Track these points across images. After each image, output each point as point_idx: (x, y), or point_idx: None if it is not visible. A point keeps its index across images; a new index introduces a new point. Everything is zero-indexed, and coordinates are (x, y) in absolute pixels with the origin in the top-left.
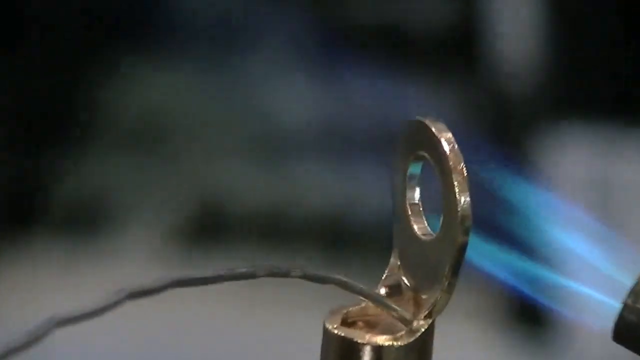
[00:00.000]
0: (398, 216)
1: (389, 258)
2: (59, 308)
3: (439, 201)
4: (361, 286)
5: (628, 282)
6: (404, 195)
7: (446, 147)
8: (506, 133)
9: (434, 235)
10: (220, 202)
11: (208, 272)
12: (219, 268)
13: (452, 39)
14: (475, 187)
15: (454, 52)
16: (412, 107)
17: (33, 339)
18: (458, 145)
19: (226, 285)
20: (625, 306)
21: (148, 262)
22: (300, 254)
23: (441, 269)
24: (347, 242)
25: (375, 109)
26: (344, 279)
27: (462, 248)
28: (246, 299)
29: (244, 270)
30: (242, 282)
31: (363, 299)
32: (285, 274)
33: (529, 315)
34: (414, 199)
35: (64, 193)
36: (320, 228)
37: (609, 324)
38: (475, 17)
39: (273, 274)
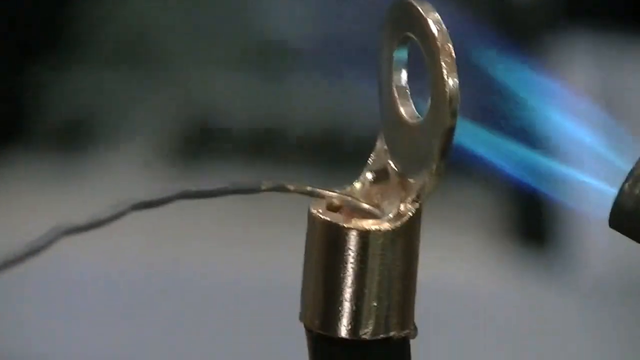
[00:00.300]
0: (384, 100)
1: None
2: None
3: (427, 84)
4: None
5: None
6: (390, 78)
7: (433, 27)
8: (510, 40)
9: (421, 118)
10: (212, 115)
11: (212, 186)
12: (223, 181)
13: None
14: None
15: None
16: None
17: (38, 248)
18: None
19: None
20: (622, 191)
21: (138, 177)
22: (294, 169)
23: (429, 152)
24: (343, 157)
25: (374, 19)
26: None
27: (451, 130)
28: (248, 215)
29: (248, 184)
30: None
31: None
32: (286, 189)
33: (530, 207)
34: (400, 81)
35: (50, 108)
36: (315, 143)
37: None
38: None
39: (277, 189)
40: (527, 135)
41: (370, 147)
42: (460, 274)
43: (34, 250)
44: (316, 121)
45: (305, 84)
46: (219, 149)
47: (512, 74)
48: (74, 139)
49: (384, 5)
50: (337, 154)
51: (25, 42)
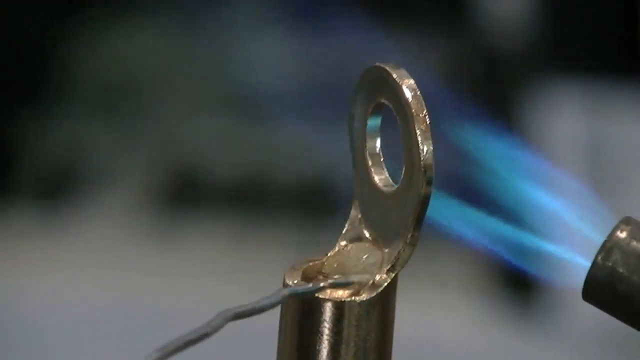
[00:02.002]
0: (358, 167)
1: None
2: (34, 274)
3: (400, 151)
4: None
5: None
6: (363, 145)
7: (408, 94)
8: (493, 90)
9: (396, 186)
10: (196, 164)
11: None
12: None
13: None
14: (452, 146)
15: (441, 7)
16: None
17: (206, 333)
18: (421, 92)
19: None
20: (595, 264)
21: (122, 226)
22: (277, 218)
23: (404, 221)
24: (326, 204)
25: (357, 67)
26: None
27: (425, 199)
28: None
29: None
30: (232, 242)
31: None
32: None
33: (508, 278)
34: (374, 148)
35: (35, 156)
36: (298, 192)
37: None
38: None
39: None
40: (502, 208)
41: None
42: (443, 330)
43: (201, 336)
44: (299, 167)
45: (288, 131)
46: (202, 196)
47: (486, 145)
48: (58, 189)
49: (366, 52)
50: (320, 200)
51: (8, 93)
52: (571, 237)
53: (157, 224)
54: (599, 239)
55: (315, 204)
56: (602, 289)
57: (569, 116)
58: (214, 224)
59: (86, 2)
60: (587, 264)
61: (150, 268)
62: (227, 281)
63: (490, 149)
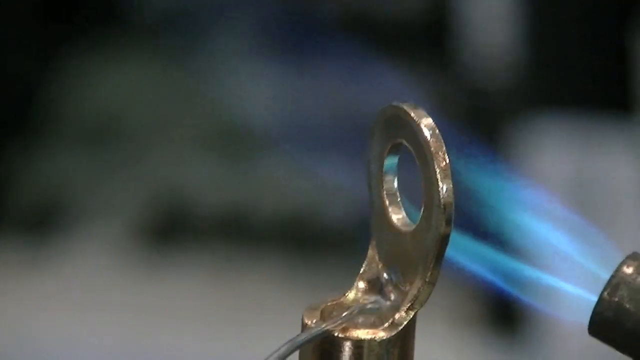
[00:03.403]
0: (375, 207)
1: (358, 257)
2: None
3: (415, 190)
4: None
5: (606, 276)
6: (380, 185)
7: (427, 134)
8: (479, 127)
9: (414, 225)
10: (182, 199)
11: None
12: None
13: (424, 30)
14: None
15: (426, 43)
16: (382, 99)
17: None
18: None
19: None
20: (601, 299)
21: (108, 259)
22: (263, 253)
23: (423, 259)
24: (313, 242)
25: (343, 102)
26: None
27: (445, 237)
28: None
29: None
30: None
31: (342, 293)
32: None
33: (505, 310)
34: (391, 189)
35: (21, 191)
36: (285, 226)
37: (586, 318)
38: (449, 8)
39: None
40: (501, 240)
41: (338, 230)
42: None
43: None
44: (284, 203)
45: (274, 167)
46: (188, 231)
47: (482, 178)
48: (43, 224)
49: (351, 88)
50: (305, 235)
51: None
52: (568, 268)
53: (143, 258)
54: (595, 270)
55: (300, 240)
56: (608, 325)
57: (556, 152)
58: (199, 258)
59: (73, 37)
60: (586, 296)
61: (135, 302)
62: (211, 315)
63: (482, 181)
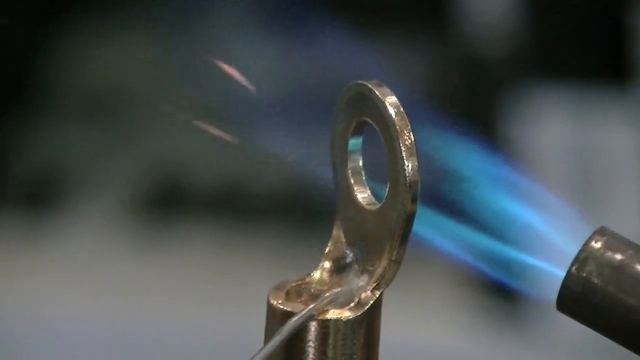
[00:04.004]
0: (340, 185)
1: None
2: (18, 280)
3: (381, 168)
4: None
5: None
6: (345, 164)
7: (392, 111)
8: (477, 97)
9: (379, 204)
10: (179, 171)
11: None
12: None
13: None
14: (432, 157)
15: (424, 14)
16: (379, 70)
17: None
18: (403, 104)
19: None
20: (569, 274)
21: (106, 233)
22: (259, 225)
23: (389, 238)
24: (311, 215)
25: (340, 73)
26: None
27: (411, 216)
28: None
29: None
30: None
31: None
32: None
33: (488, 290)
34: (356, 167)
35: (20, 164)
36: (280, 200)
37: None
38: None
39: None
40: (482, 220)
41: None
42: (425, 341)
43: None
44: (281, 177)
45: (270, 140)
46: (185, 204)
47: (467, 157)
48: (41, 197)
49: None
50: (302, 209)
51: None
52: (550, 249)
53: (140, 231)
54: (576, 250)
55: (296, 213)
56: (577, 300)
57: (553, 123)
58: (196, 231)
59: (71, 10)
60: (560, 274)
61: (133, 274)
62: (208, 288)
63: (472, 161)
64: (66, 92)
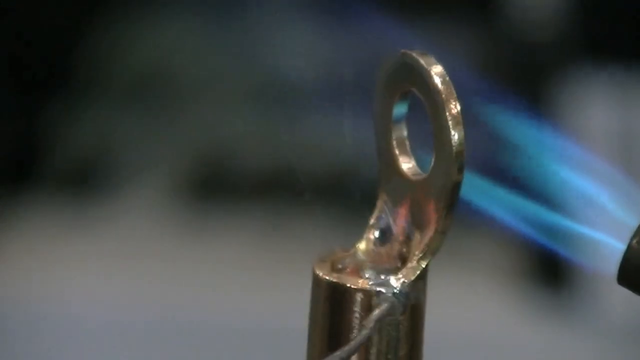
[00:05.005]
0: (384, 156)
1: None
2: (65, 264)
3: (425, 139)
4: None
5: None
6: (389, 134)
7: (437, 81)
8: (524, 79)
9: (424, 174)
10: (225, 155)
11: None
12: None
13: None
14: (483, 130)
15: None
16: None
17: None
18: (451, 79)
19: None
20: (630, 247)
21: (151, 218)
22: (306, 209)
23: (434, 208)
24: (355, 197)
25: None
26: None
27: (457, 186)
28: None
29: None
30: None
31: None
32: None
33: (541, 262)
34: (401, 137)
35: (65, 148)
36: (327, 183)
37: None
38: None
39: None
40: (534, 189)
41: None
42: (473, 316)
43: None
44: (328, 160)
45: (317, 123)
46: (232, 188)
47: (519, 127)
48: (87, 181)
49: (395, 42)
50: (350, 191)
51: (38, 85)
52: (606, 220)
53: (187, 215)
54: (634, 223)
55: (344, 195)
56: (637, 272)
57: (601, 105)
58: (243, 215)
59: None
60: (622, 247)
61: (179, 260)
62: (256, 273)
63: (522, 133)
64: (112, 76)
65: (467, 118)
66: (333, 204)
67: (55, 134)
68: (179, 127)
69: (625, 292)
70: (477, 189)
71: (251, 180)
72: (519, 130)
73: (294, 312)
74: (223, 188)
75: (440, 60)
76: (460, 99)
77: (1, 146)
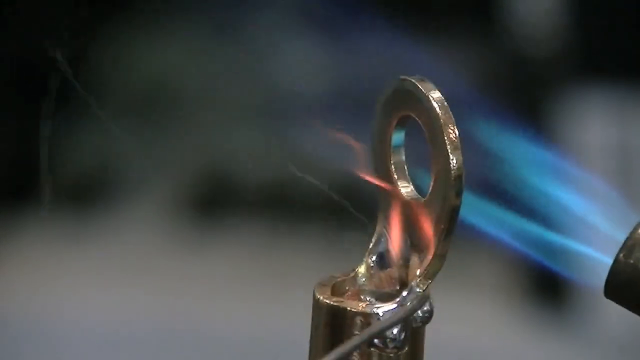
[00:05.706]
0: (382, 180)
1: None
2: (66, 279)
3: (421, 161)
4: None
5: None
6: (388, 158)
7: (436, 106)
8: (522, 95)
9: (422, 198)
10: (227, 170)
11: None
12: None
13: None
14: (481, 149)
15: (471, 12)
16: (426, 70)
17: None
18: (449, 99)
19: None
20: (617, 261)
21: (153, 232)
22: (306, 224)
23: (433, 232)
24: (358, 213)
25: (387, 74)
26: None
27: (455, 210)
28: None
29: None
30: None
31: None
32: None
33: (538, 279)
34: (399, 161)
35: (70, 163)
36: (327, 199)
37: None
38: None
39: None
40: (531, 209)
41: None
42: (473, 331)
43: None
44: (329, 175)
45: (317, 138)
46: (233, 203)
47: (515, 148)
48: (89, 196)
49: (395, 58)
50: (352, 207)
51: (39, 99)
52: (599, 237)
53: (188, 230)
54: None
55: (343, 211)
56: (624, 286)
57: (598, 120)
58: (244, 230)
59: (121, 7)
60: (608, 260)
61: (179, 274)
62: (255, 286)
63: (519, 152)
64: (114, 91)
65: (465, 136)
66: (332, 218)
67: (57, 150)
68: (179, 143)
69: (622, 308)
70: (474, 208)
71: (253, 194)
72: (516, 148)
73: (292, 325)
74: (223, 203)
75: (441, 77)
76: (459, 117)
77: (2, 162)
